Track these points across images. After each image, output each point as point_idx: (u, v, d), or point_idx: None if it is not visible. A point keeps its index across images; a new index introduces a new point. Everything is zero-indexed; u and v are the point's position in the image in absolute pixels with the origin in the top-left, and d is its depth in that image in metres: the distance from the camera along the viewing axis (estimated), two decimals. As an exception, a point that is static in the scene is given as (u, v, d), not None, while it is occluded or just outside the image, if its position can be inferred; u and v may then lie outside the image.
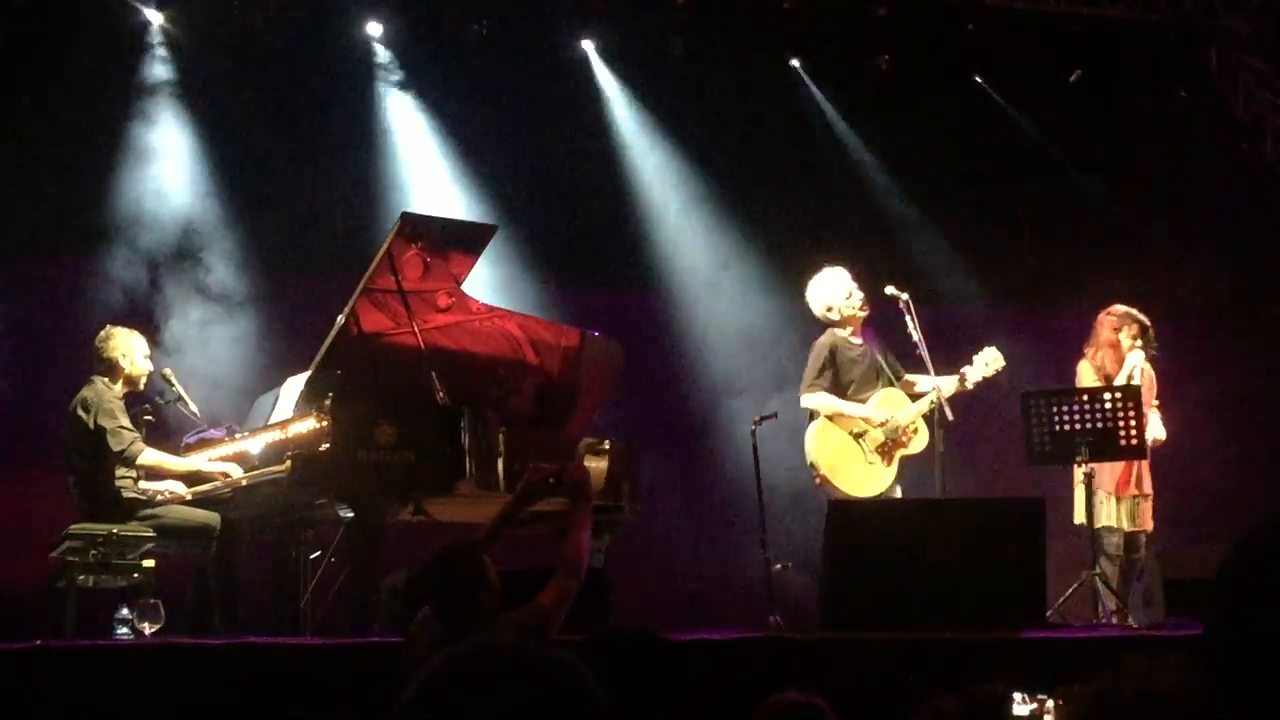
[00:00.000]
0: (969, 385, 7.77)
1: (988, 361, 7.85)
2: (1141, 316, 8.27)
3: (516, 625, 4.35)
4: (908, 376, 7.94)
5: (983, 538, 6.74)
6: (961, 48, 10.80)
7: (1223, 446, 10.39)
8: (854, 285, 7.98)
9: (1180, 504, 8.96)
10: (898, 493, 7.78)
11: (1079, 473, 7.71)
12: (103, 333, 7.37)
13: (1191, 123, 11.01)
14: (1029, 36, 10.72)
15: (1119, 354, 8.17)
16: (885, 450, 7.76)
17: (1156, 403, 8.24)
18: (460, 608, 4.35)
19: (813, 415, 7.84)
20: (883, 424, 7.72)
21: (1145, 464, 8.06)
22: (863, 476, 7.71)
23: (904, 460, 7.82)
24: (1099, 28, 10.78)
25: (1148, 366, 8.25)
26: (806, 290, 8.05)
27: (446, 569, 4.43)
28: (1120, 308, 8.32)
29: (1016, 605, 6.56)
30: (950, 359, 7.93)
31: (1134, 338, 8.15)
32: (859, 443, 7.74)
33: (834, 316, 7.94)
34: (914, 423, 7.81)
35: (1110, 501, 8.02)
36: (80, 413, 7.12)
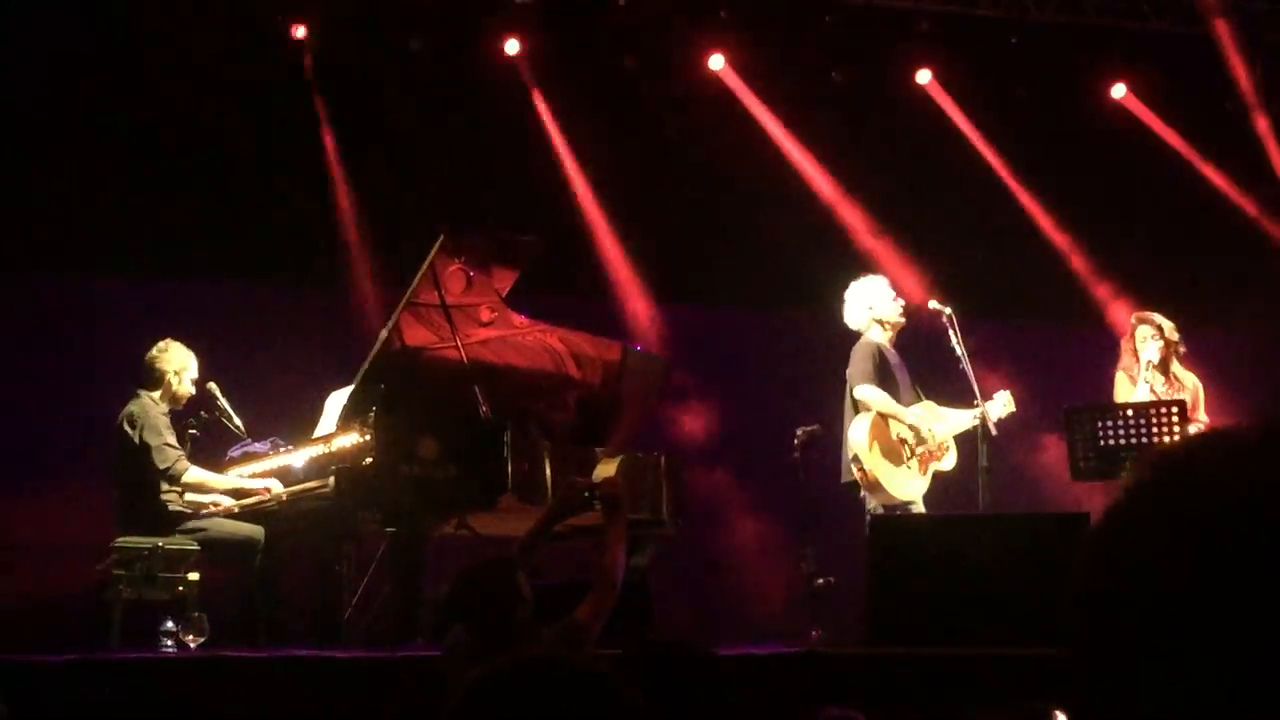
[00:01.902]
0: (990, 419, 7.74)
1: (1003, 404, 7.86)
2: (1154, 316, 8.20)
3: (551, 640, 4.36)
4: (928, 402, 7.92)
5: (1027, 552, 6.69)
6: (1003, 61, 10.79)
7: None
8: (895, 292, 8.00)
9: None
10: (920, 505, 7.77)
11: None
12: (160, 344, 7.38)
13: (1233, 136, 10.96)
14: (1070, 49, 10.69)
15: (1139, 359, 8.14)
16: (923, 460, 7.74)
17: (1206, 421, 8.16)
18: (494, 623, 4.35)
19: (860, 410, 7.77)
20: (926, 437, 7.70)
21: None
22: (903, 480, 7.67)
23: (937, 475, 7.80)
24: (1143, 41, 10.76)
25: (1192, 376, 8.20)
26: (847, 294, 8.03)
27: (479, 584, 4.43)
28: (1136, 313, 8.31)
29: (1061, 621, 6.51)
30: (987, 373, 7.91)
31: (1144, 340, 8.11)
32: (903, 446, 7.71)
33: (875, 318, 7.91)
34: (947, 439, 7.80)
35: None
36: (126, 428, 7.16)
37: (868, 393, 7.71)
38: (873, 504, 7.67)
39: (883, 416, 7.70)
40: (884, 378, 7.77)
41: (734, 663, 5.71)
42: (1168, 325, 8.17)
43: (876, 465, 7.60)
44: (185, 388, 7.34)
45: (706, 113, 10.53)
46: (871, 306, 7.94)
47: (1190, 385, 8.17)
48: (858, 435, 7.67)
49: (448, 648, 4.58)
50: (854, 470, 7.66)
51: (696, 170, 10.36)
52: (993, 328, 9.51)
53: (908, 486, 7.68)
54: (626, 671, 2.95)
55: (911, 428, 7.70)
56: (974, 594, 6.51)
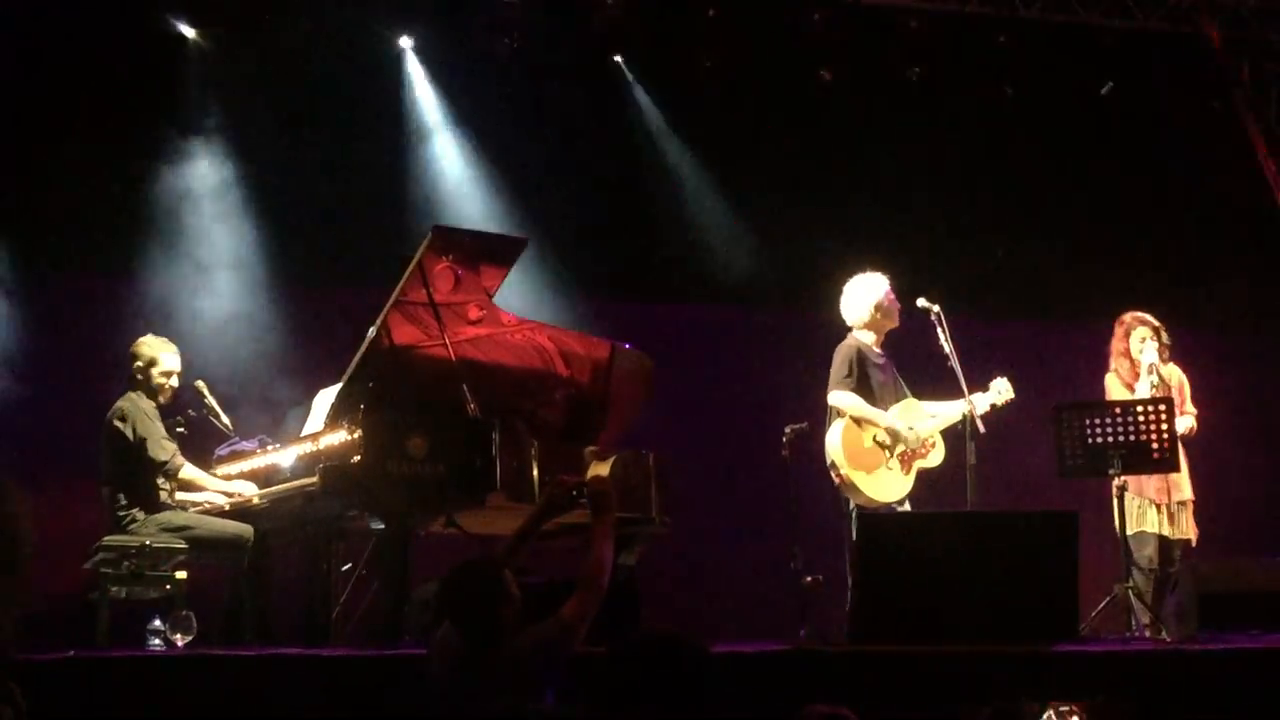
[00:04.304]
0: (978, 413, 7.74)
1: (1000, 390, 7.87)
2: (1148, 317, 8.28)
3: (537, 639, 4.36)
4: (910, 399, 7.92)
5: (1015, 550, 6.70)
6: (993, 60, 10.79)
7: (1257, 456, 10.34)
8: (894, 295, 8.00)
9: (1215, 516, 8.90)
10: (907, 505, 7.77)
11: (1114, 485, 7.67)
12: (138, 340, 7.40)
13: (1221, 136, 10.98)
14: (1061, 49, 10.69)
15: (1135, 360, 8.15)
16: (905, 459, 7.74)
17: (1194, 412, 8.19)
18: (480, 622, 4.36)
19: (836, 415, 7.79)
20: (903, 436, 7.70)
21: (1184, 471, 8.02)
22: (882, 482, 7.68)
23: (922, 472, 7.81)
24: (1131, 40, 10.76)
25: (1177, 370, 8.24)
26: (845, 290, 8.02)
27: (467, 583, 4.44)
28: (1127, 314, 8.32)
29: (1049, 618, 6.53)
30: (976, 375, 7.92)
31: (1143, 340, 8.14)
32: (881, 448, 7.72)
33: (870, 319, 7.91)
34: (932, 436, 7.80)
35: (1149, 506, 8.00)
36: (117, 423, 7.15)
37: (840, 399, 7.75)
38: (853, 505, 7.69)
39: (856, 421, 7.72)
40: (861, 379, 7.79)
41: (722, 661, 5.71)
42: (1159, 329, 8.20)
43: (851, 470, 7.64)
44: (161, 380, 7.31)
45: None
46: (874, 306, 7.93)
47: (1175, 381, 8.22)
48: (832, 441, 7.74)
49: (435, 646, 4.58)
50: (832, 475, 7.70)
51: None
52: (979, 325, 9.53)
53: (887, 488, 7.69)
54: (616, 662, 2.95)
55: (888, 430, 7.71)
56: (962, 591, 6.52)
